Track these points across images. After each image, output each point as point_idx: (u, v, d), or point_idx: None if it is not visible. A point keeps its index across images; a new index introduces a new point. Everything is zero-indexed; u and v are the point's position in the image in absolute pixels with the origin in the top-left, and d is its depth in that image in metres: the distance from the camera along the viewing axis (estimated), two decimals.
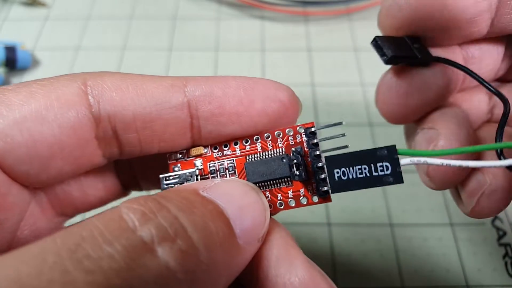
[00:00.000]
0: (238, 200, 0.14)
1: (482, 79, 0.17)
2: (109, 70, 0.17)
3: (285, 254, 0.15)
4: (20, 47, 0.38)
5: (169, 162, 0.18)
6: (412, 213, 0.30)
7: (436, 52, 0.19)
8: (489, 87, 0.17)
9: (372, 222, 0.30)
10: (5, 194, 0.15)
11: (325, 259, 0.29)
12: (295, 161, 0.16)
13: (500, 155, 0.15)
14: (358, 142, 0.34)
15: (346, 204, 0.31)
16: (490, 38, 0.18)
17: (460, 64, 0.18)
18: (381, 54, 0.17)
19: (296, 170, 0.16)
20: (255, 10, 0.43)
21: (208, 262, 0.12)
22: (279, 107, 0.16)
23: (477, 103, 0.20)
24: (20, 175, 0.15)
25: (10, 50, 0.37)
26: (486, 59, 0.19)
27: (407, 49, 0.17)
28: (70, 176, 0.17)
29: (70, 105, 0.15)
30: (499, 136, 0.16)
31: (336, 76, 0.38)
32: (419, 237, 0.29)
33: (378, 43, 0.17)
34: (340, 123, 0.16)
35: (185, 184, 0.17)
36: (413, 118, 0.20)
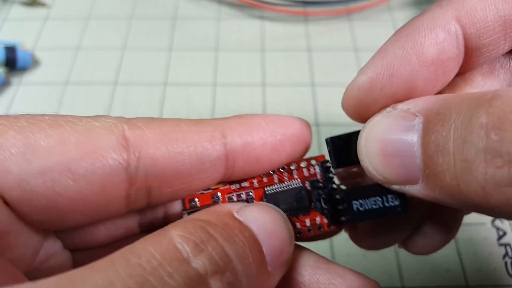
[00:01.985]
0: (268, 227, 0.14)
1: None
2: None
3: (321, 267, 0.16)
4: (20, 47, 0.38)
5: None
6: None
7: None
8: None
9: None
10: (17, 235, 0.14)
11: None
12: (323, 196, 0.17)
13: None
14: None
15: None
16: None
17: None
18: (331, 160, 0.17)
19: (325, 205, 0.17)
20: (255, 10, 0.43)
21: None
22: (303, 146, 0.17)
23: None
24: (33, 222, 0.14)
25: (10, 50, 0.37)
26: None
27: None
28: (86, 225, 0.16)
29: (106, 161, 0.14)
30: None
31: (336, 76, 0.38)
32: None
33: (329, 146, 0.17)
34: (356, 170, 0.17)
35: (218, 205, 0.16)
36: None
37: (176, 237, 0.12)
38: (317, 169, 0.18)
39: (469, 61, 0.16)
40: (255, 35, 0.41)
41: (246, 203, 0.16)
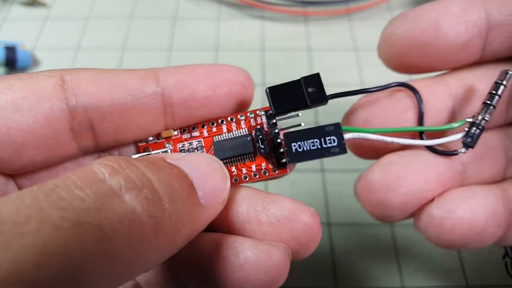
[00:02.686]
0: (201, 168, 0.16)
1: (370, 88, 0.19)
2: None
3: (259, 197, 0.17)
4: (20, 47, 0.38)
5: (139, 144, 0.19)
6: None
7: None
8: (383, 87, 0.19)
9: (372, 222, 0.30)
10: None
11: (325, 259, 0.29)
12: (260, 136, 0.18)
13: (421, 136, 0.18)
14: None
15: (347, 204, 0.31)
16: (483, 62, 0.19)
17: (352, 91, 0.19)
18: (270, 107, 0.18)
19: (261, 144, 0.18)
20: (255, 10, 0.43)
21: (171, 212, 0.13)
22: (241, 88, 0.19)
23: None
24: None
25: (10, 50, 0.37)
26: (479, 83, 0.19)
27: (298, 97, 0.18)
28: (43, 165, 0.17)
29: (46, 97, 0.16)
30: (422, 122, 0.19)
31: (336, 76, 0.38)
32: (419, 237, 0.29)
33: (267, 95, 0.18)
34: (297, 115, 0.19)
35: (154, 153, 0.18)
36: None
37: (95, 164, 0.13)
38: (263, 118, 0.19)
39: None
40: (255, 35, 0.41)
41: (184, 154, 0.17)
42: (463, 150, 0.18)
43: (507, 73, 0.17)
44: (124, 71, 0.18)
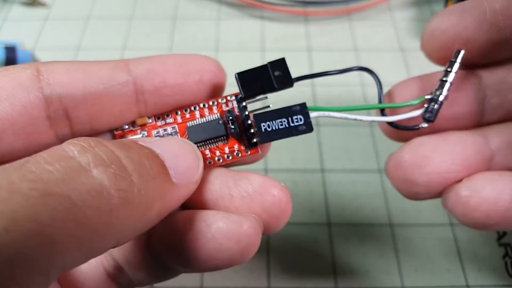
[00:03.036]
0: (173, 150, 0.16)
1: (332, 71, 0.21)
2: None
3: (231, 175, 0.18)
4: (20, 47, 0.38)
5: (115, 132, 0.19)
6: (412, 213, 0.30)
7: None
8: (341, 71, 0.21)
9: (372, 222, 0.30)
10: None
11: (325, 259, 0.29)
12: (230, 118, 0.19)
13: (382, 112, 0.20)
14: (358, 142, 0.34)
15: (347, 204, 0.31)
16: None
17: (315, 74, 0.21)
18: (240, 90, 0.19)
19: (232, 125, 0.19)
20: (255, 10, 0.43)
21: (140, 187, 0.14)
22: (211, 75, 0.19)
23: None
24: None
25: (10, 50, 0.37)
26: None
27: (265, 81, 0.19)
28: (22, 153, 0.18)
29: (22, 87, 0.17)
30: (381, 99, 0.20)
31: (336, 76, 0.38)
32: (419, 237, 0.29)
33: (237, 80, 0.19)
34: (266, 98, 0.20)
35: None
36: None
37: (66, 143, 0.14)
38: (234, 103, 0.20)
39: None
40: (255, 35, 0.41)
41: (156, 138, 0.17)
42: (424, 125, 0.19)
43: (458, 51, 0.19)
44: (97, 62, 0.19)
